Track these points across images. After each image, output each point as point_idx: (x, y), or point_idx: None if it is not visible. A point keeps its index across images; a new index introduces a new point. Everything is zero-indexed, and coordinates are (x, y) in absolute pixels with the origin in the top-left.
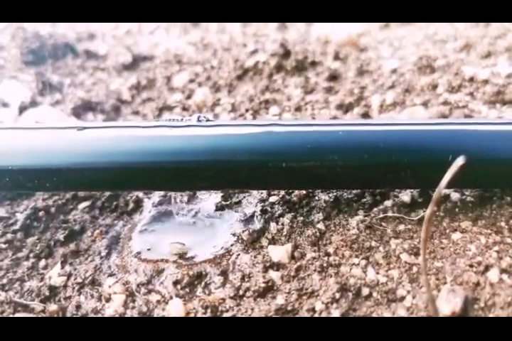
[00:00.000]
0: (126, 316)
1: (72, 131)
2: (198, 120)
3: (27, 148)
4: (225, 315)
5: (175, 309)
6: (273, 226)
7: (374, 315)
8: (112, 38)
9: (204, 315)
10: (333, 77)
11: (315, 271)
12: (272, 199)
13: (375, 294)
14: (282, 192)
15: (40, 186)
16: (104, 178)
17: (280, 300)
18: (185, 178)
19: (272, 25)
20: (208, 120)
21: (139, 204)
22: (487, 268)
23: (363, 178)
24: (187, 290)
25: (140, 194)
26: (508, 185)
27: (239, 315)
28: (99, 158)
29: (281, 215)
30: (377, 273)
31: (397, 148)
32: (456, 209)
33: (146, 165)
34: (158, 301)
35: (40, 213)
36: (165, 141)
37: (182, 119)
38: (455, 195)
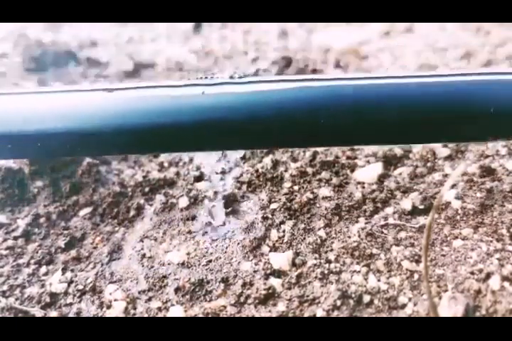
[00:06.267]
0: (125, 316)
1: (102, 93)
2: (231, 77)
3: (56, 112)
4: None
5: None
6: (274, 233)
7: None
8: (114, 46)
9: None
10: None
11: (316, 278)
12: (273, 206)
13: (376, 301)
14: (283, 199)
15: (72, 151)
16: (136, 140)
17: (281, 307)
18: (220, 137)
19: (273, 33)
20: (240, 77)
21: (139, 211)
22: (488, 275)
23: (400, 132)
24: (188, 297)
25: (141, 200)
26: None
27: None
28: (130, 119)
29: (282, 222)
30: (379, 280)
31: (438, 100)
32: (457, 217)
33: (179, 125)
34: (159, 308)
35: (41, 219)
36: (198, 100)
37: (213, 77)
38: (456, 202)
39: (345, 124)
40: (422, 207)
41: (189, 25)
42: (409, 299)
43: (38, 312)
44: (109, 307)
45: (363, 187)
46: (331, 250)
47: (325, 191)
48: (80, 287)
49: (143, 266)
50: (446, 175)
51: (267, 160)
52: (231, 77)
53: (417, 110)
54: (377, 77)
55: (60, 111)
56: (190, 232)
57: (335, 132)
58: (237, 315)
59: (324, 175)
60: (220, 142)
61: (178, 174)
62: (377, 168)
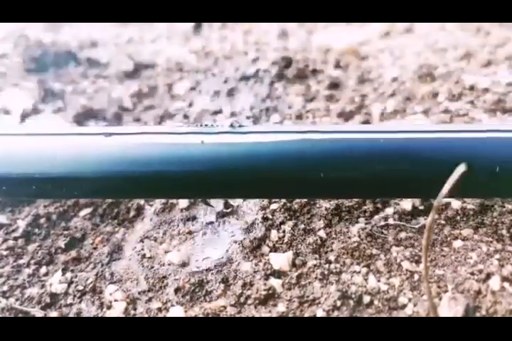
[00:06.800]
0: (125, 317)
1: (99, 137)
2: (231, 126)
3: (53, 155)
4: None
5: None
6: (274, 234)
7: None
8: (114, 46)
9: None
10: (334, 85)
11: (316, 278)
12: (273, 206)
13: (376, 302)
14: (283, 200)
15: (68, 194)
16: (132, 186)
17: (281, 307)
18: (218, 186)
19: (273, 33)
20: (240, 126)
21: (140, 211)
22: (488, 276)
23: (402, 187)
24: (188, 297)
25: (141, 201)
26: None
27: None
28: (127, 165)
29: (283, 223)
30: (379, 280)
31: (442, 156)
32: (457, 217)
33: (177, 173)
34: (159, 308)
35: (42, 220)
36: (197, 149)
37: (213, 125)
38: (456, 203)
39: (345, 178)
40: (422, 207)
41: (189, 26)
42: (410, 300)
43: (38, 312)
44: (109, 307)
45: None
46: (331, 250)
47: None
48: (80, 287)
49: (143, 266)
50: None
51: None
52: (231, 126)
53: (421, 165)
54: (382, 131)
55: (57, 155)
56: (190, 233)
57: (335, 185)
58: (237, 316)
59: None
60: (218, 191)
61: None
62: None
